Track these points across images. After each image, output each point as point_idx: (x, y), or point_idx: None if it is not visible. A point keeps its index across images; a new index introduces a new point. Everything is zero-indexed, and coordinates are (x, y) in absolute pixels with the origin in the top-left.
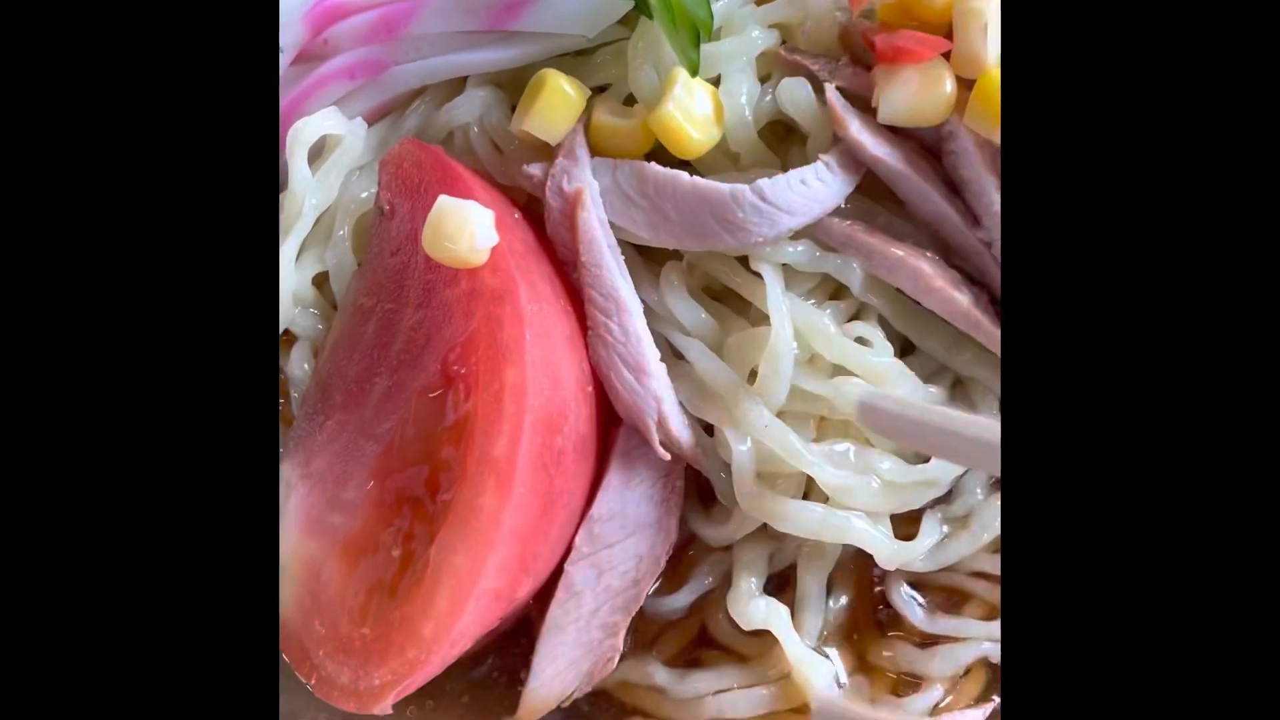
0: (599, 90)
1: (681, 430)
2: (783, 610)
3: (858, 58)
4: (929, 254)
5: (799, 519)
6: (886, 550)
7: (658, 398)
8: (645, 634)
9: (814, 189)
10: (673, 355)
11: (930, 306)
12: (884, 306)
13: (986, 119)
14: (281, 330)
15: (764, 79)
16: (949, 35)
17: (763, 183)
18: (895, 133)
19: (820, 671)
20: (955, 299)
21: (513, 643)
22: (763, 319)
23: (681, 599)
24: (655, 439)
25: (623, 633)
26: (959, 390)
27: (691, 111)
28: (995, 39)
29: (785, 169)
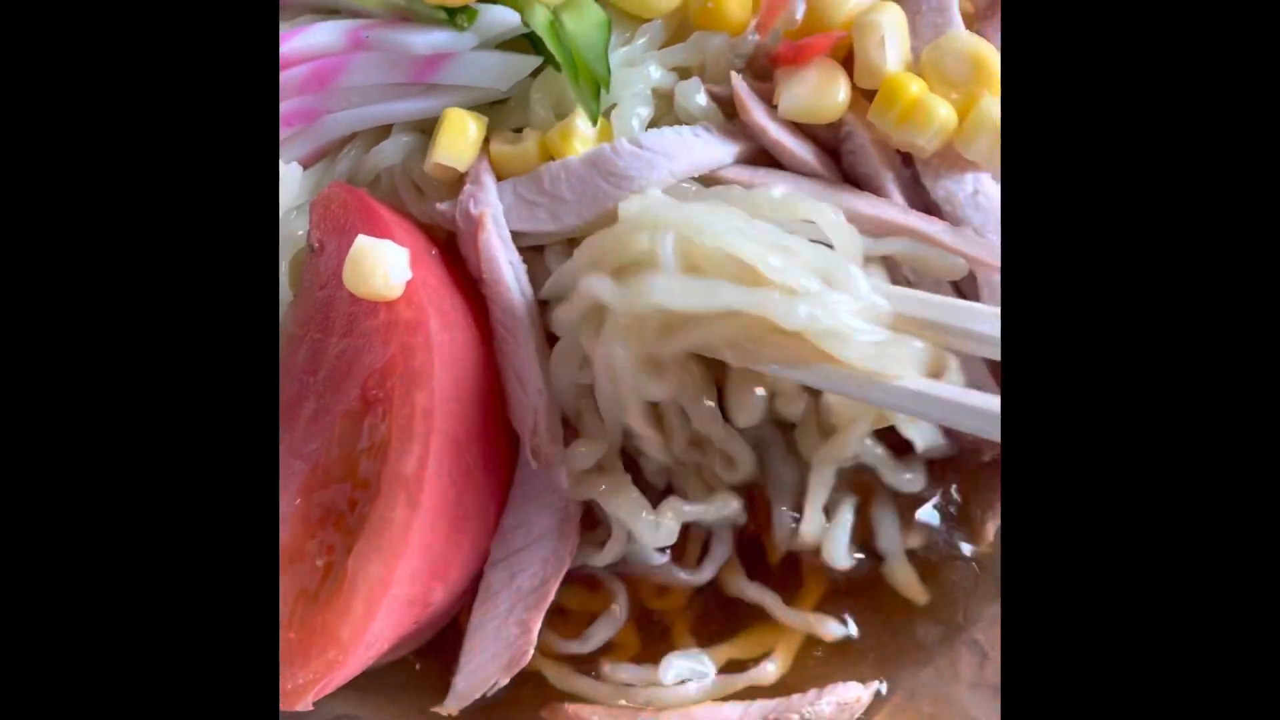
0: (515, 132)
1: (552, 443)
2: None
3: (760, 76)
4: None
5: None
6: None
7: (537, 409)
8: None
9: (688, 140)
10: None
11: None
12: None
13: (890, 117)
14: None
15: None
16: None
17: (637, 133)
18: (797, 129)
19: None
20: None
21: (446, 640)
22: None
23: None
24: (526, 446)
25: (535, 628)
26: None
27: (584, 133)
28: (894, 49)
29: None
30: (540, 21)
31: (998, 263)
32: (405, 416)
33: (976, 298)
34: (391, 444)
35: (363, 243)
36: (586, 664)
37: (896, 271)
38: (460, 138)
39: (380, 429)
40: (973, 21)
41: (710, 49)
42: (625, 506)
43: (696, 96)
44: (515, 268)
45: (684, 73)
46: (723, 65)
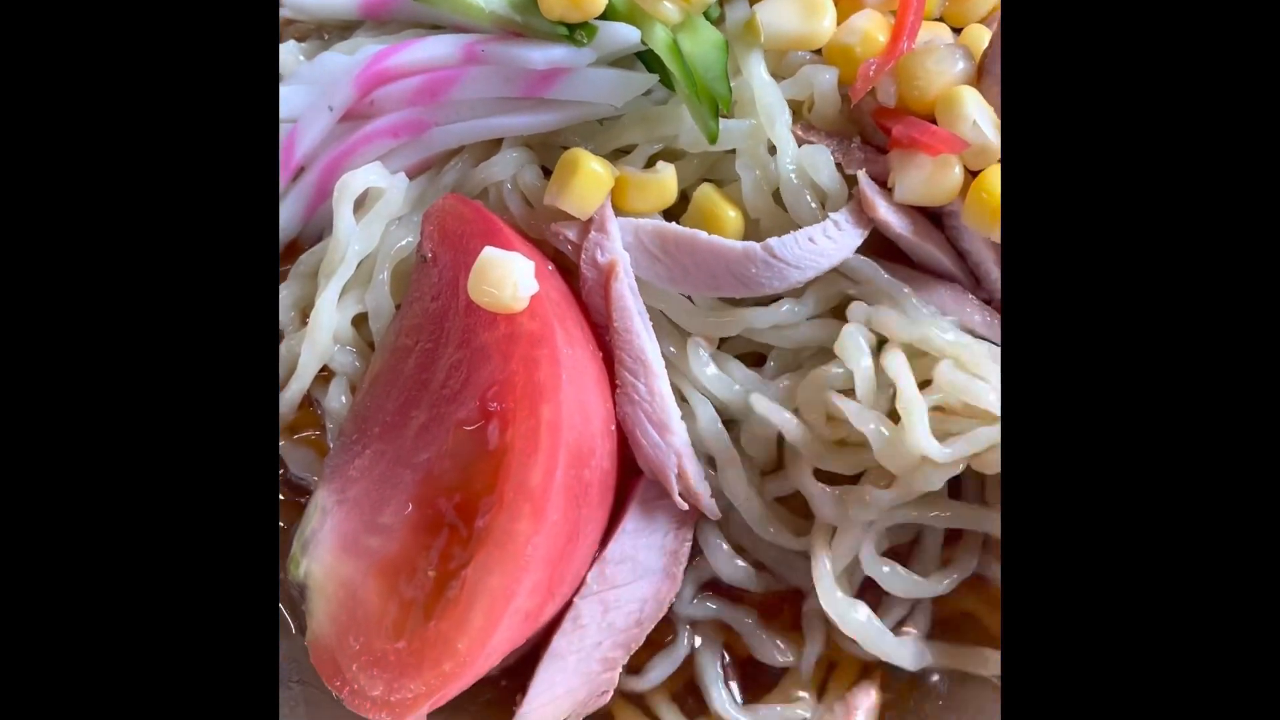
0: (623, 152)
1: (700, 483)
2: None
3: (867, 137)
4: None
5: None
6: None
7: (679, 453)
8: None
9: (821, 245)
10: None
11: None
12: None
13: (982, 221)
14: (320, 367)
15: (772, 150)
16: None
17: (772, 241)
18: (907, 209)
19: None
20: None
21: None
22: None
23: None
24: (675, 490)
25: (619, 668)
26: None
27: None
28: (988, 127)
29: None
30: (660, 40)
31: None
32: (530, 429)
33: None
34: (514, 456)
35: (490, 254)
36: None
37: None
38: (589, 187)
39: (500, 441)
40: (979, 79)
41: (819, 83)
42: None
43: (825, 172)
44: (643, 316)
45: (792, 105)
46: (830, 99)
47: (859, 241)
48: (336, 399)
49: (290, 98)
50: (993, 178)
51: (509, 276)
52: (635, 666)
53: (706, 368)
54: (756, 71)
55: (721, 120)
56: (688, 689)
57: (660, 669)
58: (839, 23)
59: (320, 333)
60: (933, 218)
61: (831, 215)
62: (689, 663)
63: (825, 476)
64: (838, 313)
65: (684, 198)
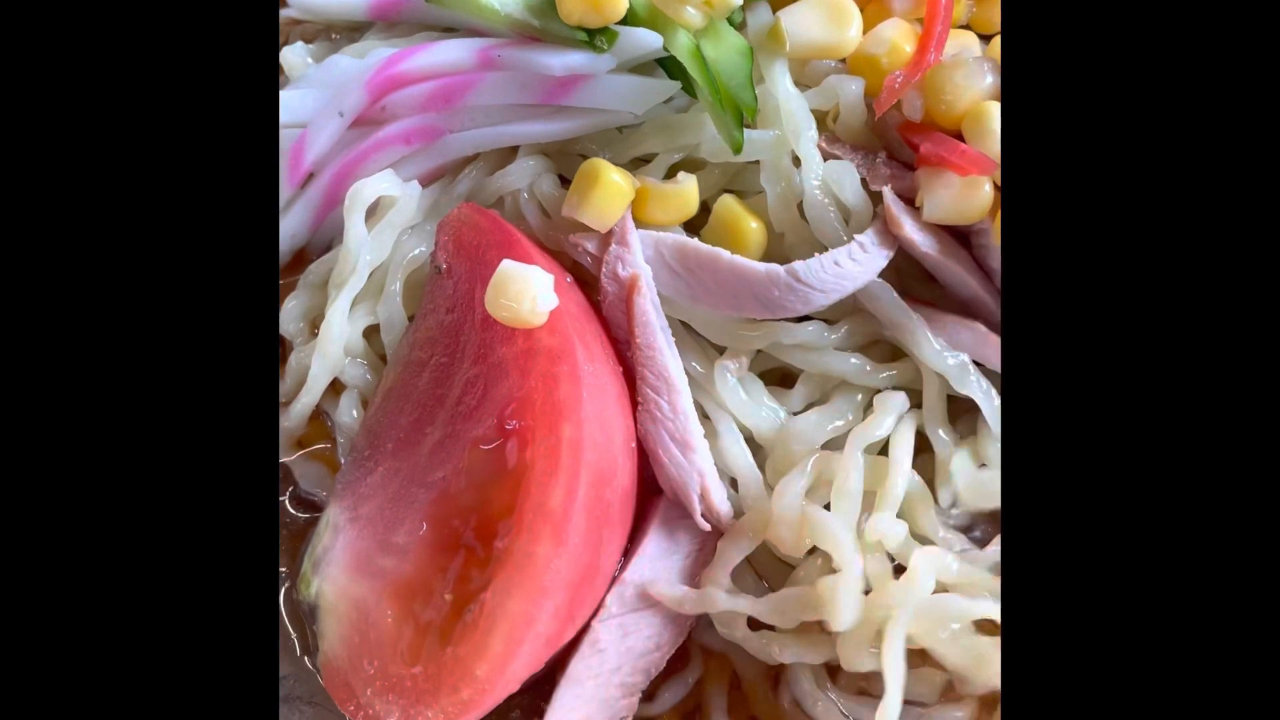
0: (642, 161)
1: (722, 504)
2: None
3: (893, 152)
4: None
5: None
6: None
7: (701, 472)
8: None
9: (846, 269)
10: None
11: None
12: None
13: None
14: (330, 380)
15: (796, 162)
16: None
17: (797, 265)
18: (934, 227)
19: None
20: None
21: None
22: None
23: None
24: (697, 510)
25: (639, 694)
26: None
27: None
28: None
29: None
30: (683, 46)
31: None
32: (550, 448)
33: None
34: (534, 476)
35: (508, 267)
36: None
37: None
38: (610, 199)
39: (519, 460)
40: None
41: (845, 94)
42: None
43: (850, 189)
44: (666, 332)
45: (817, 116)
46: (856, 111)
47: (884, 263)
48: (348, 413)
49: (299, 101)
50: None
51: (527, 290)
52: (648, 692)
53: (735, 393)
54: (781, 82)
55: (745, 130)
56: (696, 712)
57: (671, 693)
58: (865, 31)
59: (331, 345)
60: (960, 236)
61: (857, 237)
62: (699, 687)
63: None
64: (868, 350)
65: (704, 208)
